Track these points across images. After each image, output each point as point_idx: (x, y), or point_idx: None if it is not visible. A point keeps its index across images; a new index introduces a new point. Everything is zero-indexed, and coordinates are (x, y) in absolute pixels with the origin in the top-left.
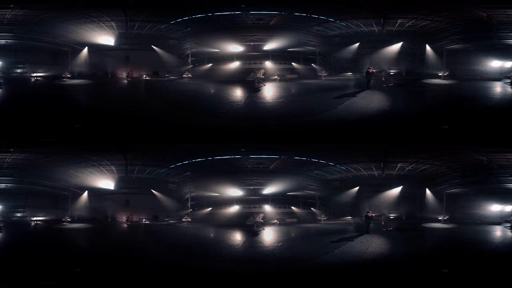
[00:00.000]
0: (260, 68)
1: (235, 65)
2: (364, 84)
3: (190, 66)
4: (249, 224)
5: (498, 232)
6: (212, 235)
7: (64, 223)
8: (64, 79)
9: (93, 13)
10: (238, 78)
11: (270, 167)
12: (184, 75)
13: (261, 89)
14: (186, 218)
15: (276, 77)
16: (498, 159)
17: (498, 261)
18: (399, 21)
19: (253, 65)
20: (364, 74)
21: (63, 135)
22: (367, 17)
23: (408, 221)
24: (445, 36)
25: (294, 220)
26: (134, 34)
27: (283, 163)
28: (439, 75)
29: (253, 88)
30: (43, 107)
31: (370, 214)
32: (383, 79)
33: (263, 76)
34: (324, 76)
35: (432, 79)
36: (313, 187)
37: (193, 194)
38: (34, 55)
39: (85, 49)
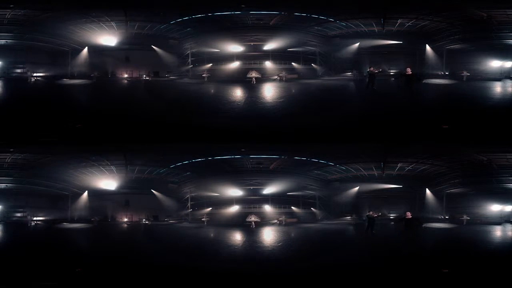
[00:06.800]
0: (256, 67)
1: (235, 65)
2: (365, 84)
3: (190, 66)
4: (247, 223)
5: (498, 232)
6: (212, 235)
7: (94, 223)
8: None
9: (93, 13)
10: (238, 78)
11: (270, 167)
12: (203, 75)
13: (261, 89)
14: (205, 217)
15: (276, 77)
16: (498, 159)
17: (498, 261)
18: (399, 21)
19: (253, 65)
20: (365, 74)
21: (63, 135)
22: (367, 17)
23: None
24: (445, 36)
25: (294, 220)
26: (134, 34)
27: (283, 163)
28: (443, 74)
29: (252, 87)
30: (43, 107)
31: (372, 214)
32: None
33: (260, 75)
34: (355, 76)
35: (432, 79)
36: (313, 187)
37: (193, 194)
38: (34, 55)
39: (85, 49)
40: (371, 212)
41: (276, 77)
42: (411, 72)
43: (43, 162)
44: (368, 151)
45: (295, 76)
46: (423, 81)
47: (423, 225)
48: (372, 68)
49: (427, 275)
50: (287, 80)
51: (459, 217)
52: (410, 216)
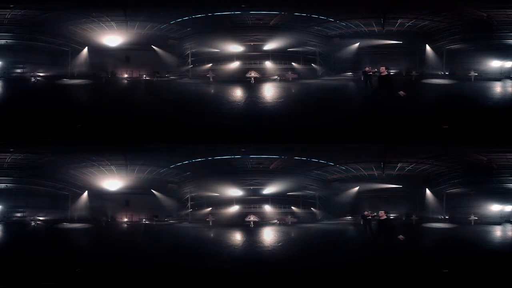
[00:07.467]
0: (256, 68)
1: (235, 65)
2: (363, 85)
3: (190, 66)
4: (247, 223)
5: (498, 232)
6: (212, 235)
7: (102, 222)
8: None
9: (93, 13)
10: (238, 78)
11: (270, 167)
12: (207, 75)
13: (261, 89)
14: (210, 218)
15: (276, 77)
16: (498, 159)
17: (498, 261)
18: (399, 21)
19: (253, 65)
20: (362, 74)
21: (63, 135)
22: (367, 17)
23: (408, 221)
24: (445, 36)
25: (295, 220)
26: (134, 34)
27: (283, 163)
28: (443, 74)
29: (252, 87)
30: (43, 107)
31: (368, 215)
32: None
33: (259, 75)
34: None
35: (432, 79)
36: (313, 187)
37: (193, 194)
38: (34, 55)
39: (85, 49)
40: (366, 213)
41: (276, 77)
42: (386, 73)
43: (43, 162)
44: (368, 151)
45: (295, 76)
46: (423, 81)
47: (400, 237)
48: (367, 69)
49: (427, 275)
50: (291, 80)
51: (467, 217)
52: (385, 217)
